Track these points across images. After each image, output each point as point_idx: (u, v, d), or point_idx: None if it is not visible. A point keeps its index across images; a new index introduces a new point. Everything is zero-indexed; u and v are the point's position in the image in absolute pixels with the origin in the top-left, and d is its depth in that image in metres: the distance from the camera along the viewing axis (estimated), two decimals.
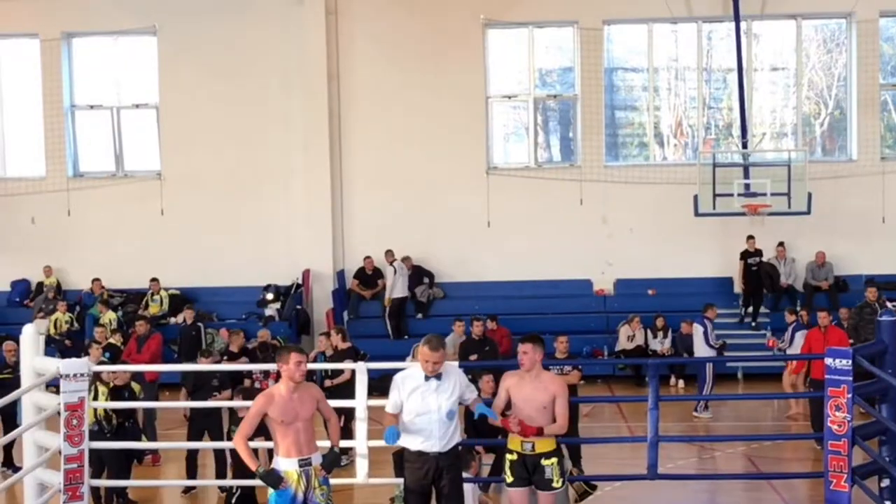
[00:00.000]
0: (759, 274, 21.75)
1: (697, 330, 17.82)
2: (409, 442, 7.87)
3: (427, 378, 7.88)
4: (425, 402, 7.84)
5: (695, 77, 23.43)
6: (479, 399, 8.22)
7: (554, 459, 7.95)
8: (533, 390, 7.98)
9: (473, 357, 16.08)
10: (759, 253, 21.70)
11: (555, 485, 7.94)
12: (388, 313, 22.03)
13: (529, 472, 7.95)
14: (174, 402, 15.10)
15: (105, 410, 11.89)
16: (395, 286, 22.05)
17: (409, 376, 7.97)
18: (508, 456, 8.05)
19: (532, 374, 8.02)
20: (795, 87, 23.34)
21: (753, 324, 21.41)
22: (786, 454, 14.89)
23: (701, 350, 17.68)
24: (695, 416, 17.29)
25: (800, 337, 16.74)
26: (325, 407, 8.11)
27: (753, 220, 20.83)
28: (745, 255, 21.76)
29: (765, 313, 21.66)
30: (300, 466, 7.67)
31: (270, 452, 13.09)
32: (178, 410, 16.51)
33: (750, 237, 21.78)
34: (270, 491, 7.75)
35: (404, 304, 22.27)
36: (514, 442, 8.01)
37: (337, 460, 8.05)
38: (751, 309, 21.69)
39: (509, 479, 8.04)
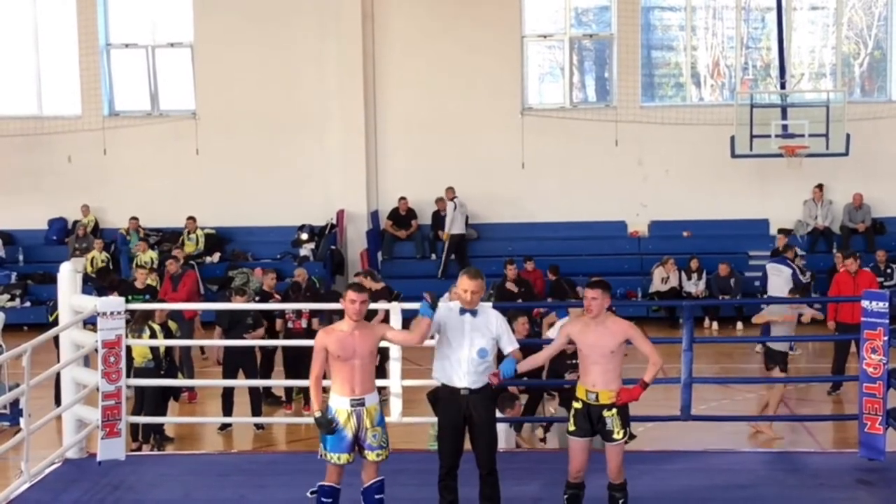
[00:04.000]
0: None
1: (783, 271, 17.84)
2: (443, 377, 7.89)
3: (462, 311, 7.87)
4: (458, 336, 7.82)
5: (733, 16, 23.15)
6: (518, 352, 8.05)
7: (614, 411, 7.78)
8: (599, 336, 7.80)
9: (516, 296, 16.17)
10: (787, 250, 19.66)
11: (615, 436, 7.77)
12: (446, 249, 22.12)
13: (593, 422, 7.83)
14: (209, 340, 15.22)
15: (160, 347, 12.29)
16: (454, 222, 22.10)
17: (447, 308, 7.96)
18: (574, 404, 7.92)
19: (598, 319, 7.83)
20: (835, 27, 23.02)
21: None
22: (820, 396, 14.88)
23: (782, 290, 17.77)
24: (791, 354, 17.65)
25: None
26: (389, 333, 8.05)
27: (790, 162, 20.63)
28: (774, 254, 19.69)
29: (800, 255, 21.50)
30: (352, 406, 7.61)
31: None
32: (215, 348, 16.69)
33: (781, 233, 20.18)
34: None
35: (463, 241, 22.32)
36: (580, 391, 7.89)
37: None
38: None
39: (571, 427, 7.90)
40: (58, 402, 14.13)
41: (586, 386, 7.85)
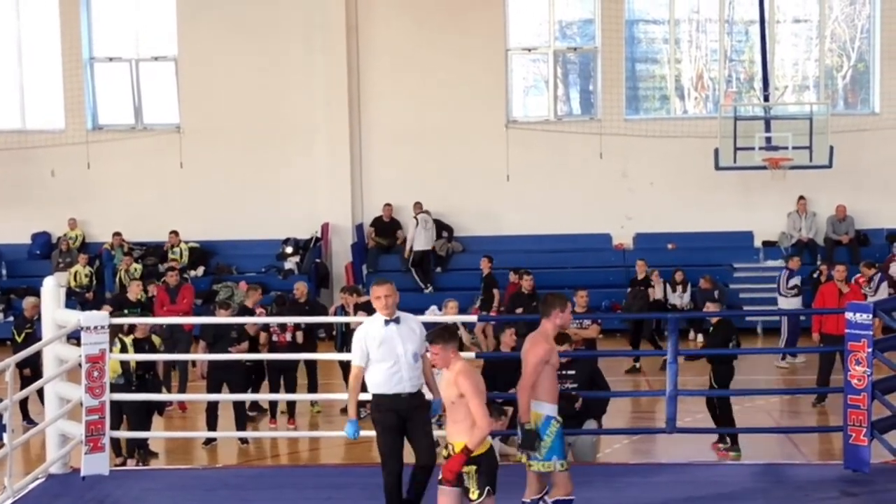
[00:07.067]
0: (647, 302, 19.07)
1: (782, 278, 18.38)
2: (383, 388, 8.06)
3: (386, 323, 8.07)
4: (391, 349, 8.03)
5: (716, 29, 23.24)
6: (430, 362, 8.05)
7: (473, 467, 7.07)
8: (444, 387, 7.41)
9: (519, 311, 16.02)
10: (647, 282, 19.33)
11: (470, 496, 7.16)
12: (411, 265, 22.05)
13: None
14: (193, 355, 15.17)
15: (131, 362, 12.10)
16: (417, 238, 22.06)
17: (369, 329, 8.16)
18: None
19: (450, 369, 7.31)
20: (818, 40, 23.13)
21: (638, 365, 18.11)
22: (804, 408, 14.91)
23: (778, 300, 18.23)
24: (778, 366, 17.85)
25: (883, 288, 17.49)
26: None
27: (774, 174, 20.68)
28: (633, 283, 19.45)
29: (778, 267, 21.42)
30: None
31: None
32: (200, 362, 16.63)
33: (641, 260, 19.70)
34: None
35: (426, 257, 22.27)
36: None
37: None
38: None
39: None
40: (25, 416, 14.22)
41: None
